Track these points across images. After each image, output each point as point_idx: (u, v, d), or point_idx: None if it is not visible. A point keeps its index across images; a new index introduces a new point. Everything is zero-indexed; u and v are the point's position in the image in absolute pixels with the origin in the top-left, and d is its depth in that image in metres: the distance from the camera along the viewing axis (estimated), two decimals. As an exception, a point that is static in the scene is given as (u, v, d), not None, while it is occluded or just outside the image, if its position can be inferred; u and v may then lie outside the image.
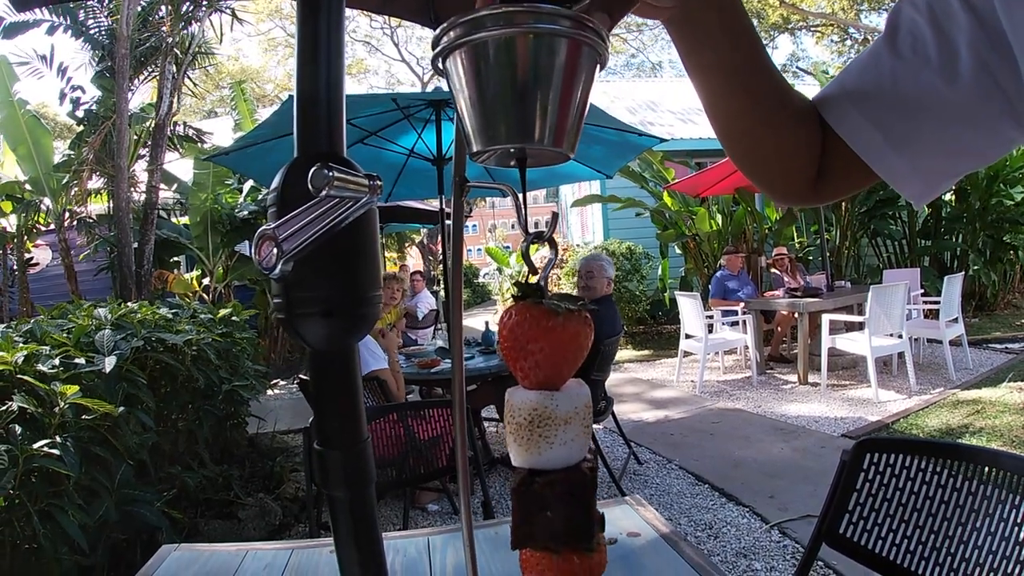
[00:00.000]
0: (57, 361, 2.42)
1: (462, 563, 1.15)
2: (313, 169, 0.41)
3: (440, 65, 0.41)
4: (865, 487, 1.40)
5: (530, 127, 0.38)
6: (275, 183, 0.50)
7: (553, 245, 0.44)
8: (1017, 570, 1.20)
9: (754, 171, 0.67)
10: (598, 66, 0.40)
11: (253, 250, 0.46)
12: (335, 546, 0.57)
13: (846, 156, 0.61)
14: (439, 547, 1.22)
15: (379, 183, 0.45)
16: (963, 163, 0.60)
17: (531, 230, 0.43)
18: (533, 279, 0.45)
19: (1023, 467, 1.25)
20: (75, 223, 9.31)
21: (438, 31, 0.40)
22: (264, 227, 0.45)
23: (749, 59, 0.60)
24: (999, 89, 0.53)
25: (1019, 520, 1.22)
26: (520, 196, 0.43)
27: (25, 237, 9.64)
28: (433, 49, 0.41)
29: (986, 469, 1.29)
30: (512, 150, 0.40)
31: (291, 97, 3.90)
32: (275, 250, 0.44)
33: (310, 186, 0.42)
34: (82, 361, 2.50)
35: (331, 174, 0.41)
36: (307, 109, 0.51)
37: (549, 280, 0.49)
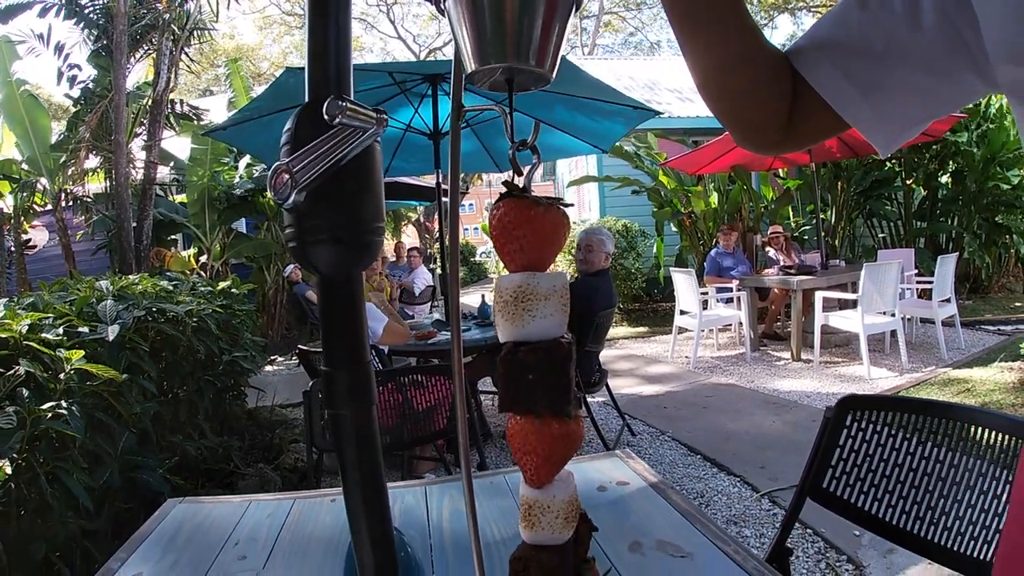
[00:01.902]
0: (61, 330, 2.46)
1: (457, 508, 1.21)
2: (328, 100, 0.46)
3: (442, 4, 0.47)
4: (848, 443, 1.45)
5: (516, 49, 0.45)
6: (288, 125, 0.54)
7: (536, 152, 0.50)
8: (995, 522, 1.25)
9: (732, 119, 0.71)
10: (574, 3, 0.47)
11: (268, 183, 0.50)
12: (339, 465, 0.61)
13: (817, 104, 0.65)
14: (436, 494, 1.28)
15: (385, 116, 0.49)
16: (927, 110, 0.64)
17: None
18: (519, 180, 0.51)
19: (998, 423, 1.29)
20: (72, 203, 9.31)
21: None
22: (278, 162, 0.50)
23: (728, 9, 0.64)
24: (961, 40, 0.57)
25: (997, 474, 1.28)
26: (508, 113, 0.48)
27: (22, 218, 9.64)
28: None
29: (963, 425, 1.34)
30: (500, 69, 0.47)
31: (287, 70, 3.93)
32: (289, 180, 0.49)
33: (325, 115, 0.46)
34: (85, 330, 2.54)
35: (344, 104, 0.46)
36: (317, 58, 0.55)
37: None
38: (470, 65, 0.47)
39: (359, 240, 0.53)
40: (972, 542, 1.26)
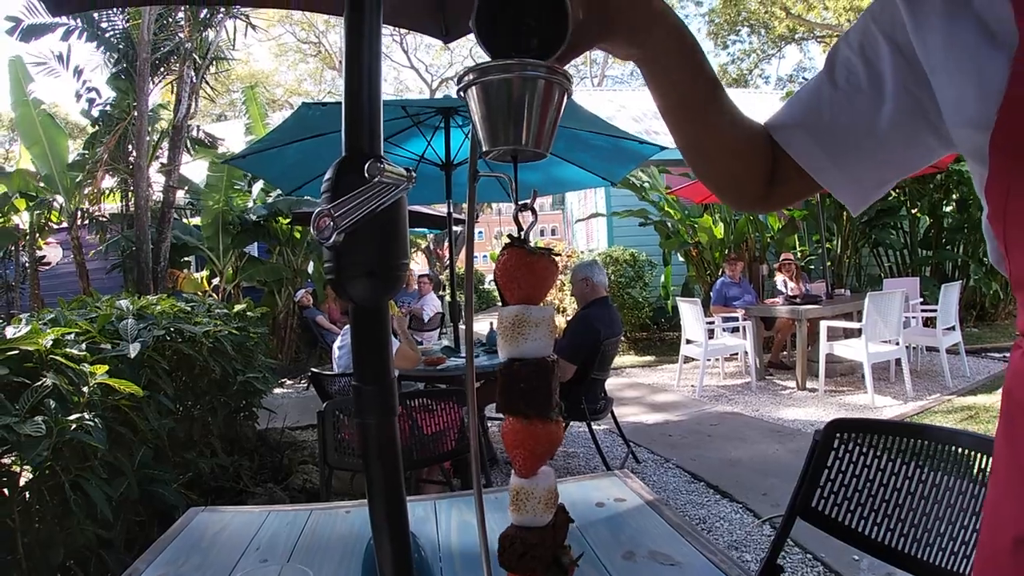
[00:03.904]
0: (84, 346, 2.56)
1: (465, 521, 1.29)
2: (370, 162, 0.57)
3: (462, 94, 0.59)
4: (836, 464, 1.53)
5: (520, 135, 0.57)
6: (329, 175, 0.65)
7: (533, 212, 0.64)
8: (974, 538, 1.31)
9: (716, 186, 0.82)
10: (566, 94, 0.59)
11: (312, 225, 0.61)
12: (363, 465, 0.70)
13: (794, 170, 0.76)
14: (444, 508, 1.36)
15: (414, 174, 0.60)
16: (892, 172, 0.74)
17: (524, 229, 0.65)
18: (520, 234, 0.64)
19: (978, 444, 1.37)
20: (87, 222, 9.51)
21: (461, 73, 0.58)
22: (321, 207, 0.60)
23: (707, 97, 0.74)
24: (921, 109, 0.66)
25: (976, 492, 1.34)
26: (513, 182, 0.62)
27: (37, 235, 9.84)
28: (457, 84, 0.59)
29: (945, 447, 1.41)
30: (506, 150, 0.60)
31: (303, 105, 4.08)
32: (331, 224, 0.59)
33: (366, 174, 0.57)
34: (108, 346, 2.64)
35: (382, 165, 0.57)
36: (353, 117, 0.66)
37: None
38: (484, 145, 0.59)
39: (389, 275, 0.64)
40: (963, 560, 1.32)
